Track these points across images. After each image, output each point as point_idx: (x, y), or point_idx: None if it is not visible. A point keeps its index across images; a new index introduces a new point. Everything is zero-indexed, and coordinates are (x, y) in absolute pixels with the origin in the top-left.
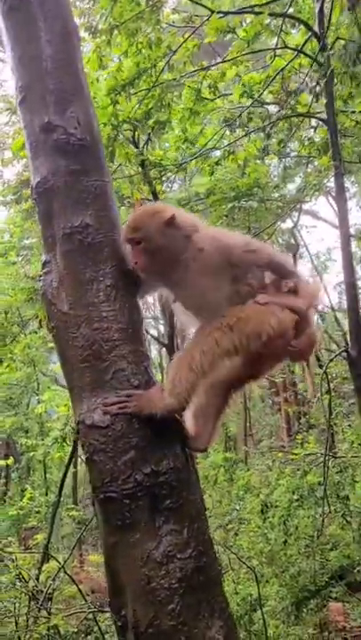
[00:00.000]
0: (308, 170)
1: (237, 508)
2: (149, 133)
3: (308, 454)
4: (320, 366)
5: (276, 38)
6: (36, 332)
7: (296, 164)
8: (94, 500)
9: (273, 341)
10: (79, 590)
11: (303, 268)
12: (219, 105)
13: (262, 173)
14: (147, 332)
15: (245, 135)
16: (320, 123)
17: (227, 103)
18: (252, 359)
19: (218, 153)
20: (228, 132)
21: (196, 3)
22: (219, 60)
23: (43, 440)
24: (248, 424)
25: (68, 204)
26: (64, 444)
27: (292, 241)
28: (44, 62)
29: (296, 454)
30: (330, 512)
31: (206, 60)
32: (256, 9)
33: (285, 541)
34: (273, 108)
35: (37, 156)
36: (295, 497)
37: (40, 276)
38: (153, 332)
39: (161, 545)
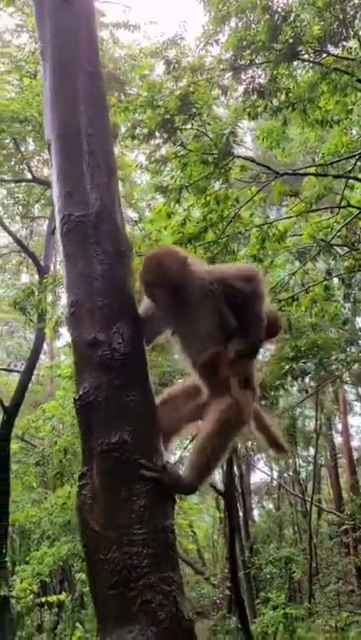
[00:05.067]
0: None
1: None
2: None
3: None
4: None
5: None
6: None
7: None
8: None
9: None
10: None
11: None
12: (286, 245)
13: (331, 314)
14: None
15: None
16: None
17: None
18: None
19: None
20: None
21: (262, 165)
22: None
23: None
24: (315, 564)
25: (108, 419)
26: None
27: None
28: (95, 281)
29: None
30: None
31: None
32: (319, 170)
33: None
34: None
35: (83, 369)
36: None
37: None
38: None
39: None
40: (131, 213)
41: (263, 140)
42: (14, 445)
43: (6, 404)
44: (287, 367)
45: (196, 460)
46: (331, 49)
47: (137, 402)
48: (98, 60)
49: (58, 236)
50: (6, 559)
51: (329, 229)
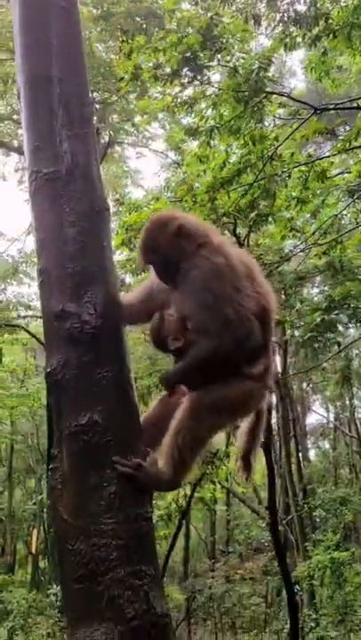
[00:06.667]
0: None
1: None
2: (250, 225)
3: None
4: None
5: None
6: None
7: None
8: None
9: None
10: None
11: None
12: (336, 183)
13: None
14: None
15: None
16: None
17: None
18: None
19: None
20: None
21: (299, 101)
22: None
23: None
24: None
25: (77, 398)
26: (169, 522)
27: None
28: (65, 245)
29: None
30: None
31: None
32: None
33: None
34: None
35: (51, 344)
36: None
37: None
38: None
39: None
40: (174, 156)
41: (311, 71)
42: None
43: None
44: (319, 319)
45: (169, 453)
46: None
47: (109, 379)
48: None
49: (28, 195)
50: None
51: None
